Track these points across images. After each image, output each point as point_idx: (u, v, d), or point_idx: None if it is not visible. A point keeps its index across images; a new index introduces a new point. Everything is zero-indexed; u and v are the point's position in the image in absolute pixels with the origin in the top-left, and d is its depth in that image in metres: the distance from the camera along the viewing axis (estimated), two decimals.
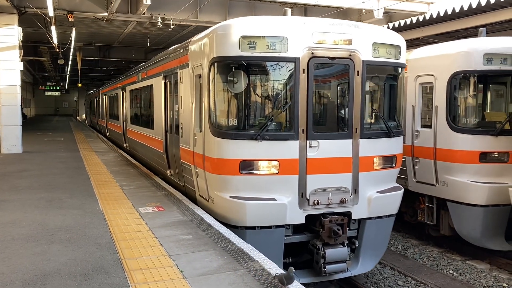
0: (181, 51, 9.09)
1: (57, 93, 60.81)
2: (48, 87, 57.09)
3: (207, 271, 4.92)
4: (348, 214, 7.19)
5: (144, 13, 17.55)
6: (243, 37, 6.64)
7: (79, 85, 54.56)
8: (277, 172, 6.80)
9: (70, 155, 16.15)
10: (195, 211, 7.58)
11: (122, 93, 18.62)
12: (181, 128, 8.86)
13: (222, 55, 6.85)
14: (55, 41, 20.34)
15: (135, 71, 15.61)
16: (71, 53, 27.49)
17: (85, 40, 26.87)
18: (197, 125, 7.75)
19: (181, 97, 8.93)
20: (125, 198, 8.64)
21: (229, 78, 6.87)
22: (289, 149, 6.80)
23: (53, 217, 7.24)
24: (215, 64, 6.96)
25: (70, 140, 22.78)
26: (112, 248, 5.72)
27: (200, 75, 7.56)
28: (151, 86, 12.26)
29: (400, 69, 7.82)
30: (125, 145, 18.26)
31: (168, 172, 10.53)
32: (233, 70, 6.82)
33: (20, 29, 16.39)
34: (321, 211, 7.04)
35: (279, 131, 7.00)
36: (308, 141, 6.85)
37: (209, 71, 7.07)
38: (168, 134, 10.36)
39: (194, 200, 8.35)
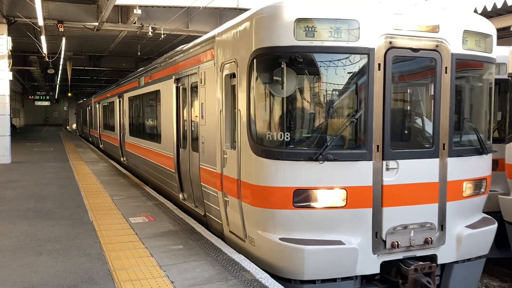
0: (202, 46, 7.36)
1: (46, 103, 60.53)
2: (38, 97, 56.82)
3: (198, 282, 4.87)
4: (432, 258, 5.52)
5: (134, 23, 17.63)
6: (299, 20, 4.98)
7: (69, 94, 54.46)
8: (344, 204, 5.11)
9: (59, 165, 16.00)
10: (186, 221, 7.52)
11: (119, 101, 16.81)
12: (203, 143, 7.24)
13: (270, 45, 5.17)
14: (45, 50, 20.28)
15: (136, 76, 13.74)
16: (61, 62, 27.40)
17: (75, 50, 26.82)
18: (228, 140, 6.21)
19: (202, 104, 7.26)
20: (115, 208, 8.56)
21: (278, 78, 5.17)
22: (359, 172, 5.12)
23: (41, 228, 7.15)
24: (259, 58, 5.31)
25: (59, 150, 22.60)
26: (102, 259, 5.65)
27: (233, 75, 5.99)
28: (157, 92, 10.61)
29: (491, 65, 6.06)
30: (122, 159, 16.36)
31: (180, 195, 8.93)
32: (284, 66, 5.09)
33: (10, 38, 16.32)
34: (400, 256, 5.33)
35: (344, 148, 5.28)
36: (384, 162, 5.17)
37: (250, 68, 5.39)
38: (181, 149, 8.78)
39: (220, 235, 6.76)
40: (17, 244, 6.28)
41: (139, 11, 15.88)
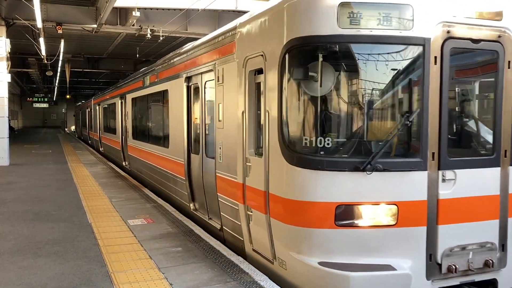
0: (220, 40, 6.51)
1: (45, 105, 60.38)
2: (36, 99, 56.68)
3: (197, 284, 4.87)
4: (493, 284, 4.81)
5: (133, 25, 17.63)
6: (344, 5, 4.28)
7: (68, 96, 54.40)
8: (393, 222, 4.40)
9: (58, 167, 15.99)
10: (185, 223, 7.52)
11: (121, 102, 15.93)
12: (220, 148, 6.50)
13: (307, 34, 4.44)
14: (43, 52, 20.28)
15: (141, 75, 12.72)
16: (59, 64, 27.40)
17: (74, 52, 26.83)
18: (252, 146, 5.48)
19: (219, 104, 6.50)
20: (113, 211, 8.56)
21: (316, 73, 4.47)
22: (412, 185, 4.42)
23: (40, 230, 7.14)
24: (293, 50, 4.57)
25: (58, 152, 22.57)
26: (100, 261, 5.64)
27: (258, 71, 5.30)
28: (164, 92, 9.81)
29: None
30: (124, 163, 15.48)
31: (191, 205, 8.10)
32: (324, 59, 4.43)
33: (8, 40, 16.31)
34: (456, 282, 4.61)
35: (391, 156, 4.53)
36: (440, 172, 4.46)
37: (282, 62, 4.65)
38: (192, 155, 8.03)
39: (240, 253, 5.94)
40: (15, 247, 6.27)
41: (138, 13, 15.90)
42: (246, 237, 5.74)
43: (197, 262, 5.58)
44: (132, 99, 13.85)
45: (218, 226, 6.80)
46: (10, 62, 16.99)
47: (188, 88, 8.14)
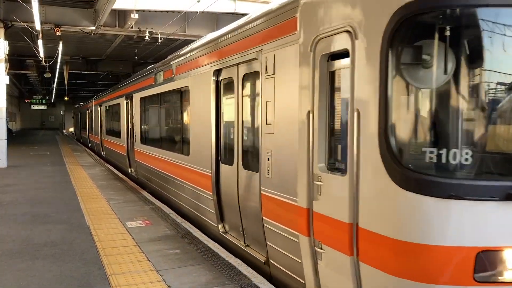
0: (272, 18, 5.03)
1: (43, 107, 60.28)
2: (34, 101, 56.63)
3: (195, 286, 4.87)
4: None
5: (132, 27, 17.65)
6: None
7: (66, 98, 54.31)
8: None
9: (56, 169, 15.96)
10: (183, 225, 7.52)
11: (127, 102, 14.48)
12: (268, 159, 5.04)
13: None
14: (42, 54, 20.27)
15: (151, 71, 11.23)
16: (58, 66, 27.39)
17: (72, 54, 26.83)
18: (323, 158, 4.08)
19: (267, 102, 5.05)
20: (112, 213, 8.55)
21: (443, 54, 3.13)
22: None
23: (38, 233, 7.13)
24: (412, 20, 3.16)
25: (56, 154, 22.54)
26: (98, 263, 5.64)
27: (338, 55, 3.90)
28: (184, 90, 8.38)
29: None
30: (130, 170, 14.02)
31: (219, 226, 6.72)
32: (466, 35, 3.16)
33: (6, 42, 16.30)
34: None
35: None
36: None
37: (390, 38, 3.21)
38: (222, 165, 6.61)
39: None
40: (13, 249, 6.26)
41: (136, 16, 15.91)
42: (309, 281, 4.31)
43: (195, 264, 5.58)
44: (141, 98, 12.31)
45: (262, 259, 5.43)
46: (8, 63, 16.97)
47: (218, 83, 6.73)
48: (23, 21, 15.83)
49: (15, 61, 27.94)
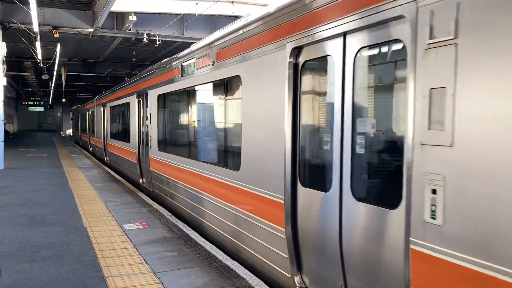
0: None
1: (40, 109, 60.26)
2: (32, 102, 56.60)
3: None
4: None
5: (130, 29, 17.68)
6: None
7: (63, 100, 54.27)
8: None
9: (53, 171, 15.93)
10: (181, 228, 7.51)
11: (139, 101, 12.38)
12: (434, 191, 2.95)
13: None
14: (39, 56, 20.26)
15: (174, 62, 8.92)
16: (55, 68, 27.38)
17: (70, 56, 26.83)
18: None
19: (431, 90, 2.97)
20: (109, 215, 8.54)
21: None
22: None
23: (35, 235, 7.12)
24: None
25: (53, 156, 22.50)
26: (95, 265, 5.63)
27: None
28: (230, 81, 6.38)
29: None
30: (142, 181, 11.93)
31: (296, 279, 4.66)
32: None
33: (4, 44, 16.28)
34: None
35: None
36: None
37: None
38: (303, 189, 4.54)
39: None
40: (10, 251, 6.24)
41: (134, 18, 15.95)
42: None
43: (193, 266, 5.58)
44: (159, 96, 10.06)
45: None
46: (5, 65, 16.95)
47: (296, 67, 4.64)
48: (21, 23, 15.83)
49: (13, 62, 27.93)
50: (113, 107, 17.02)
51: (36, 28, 14.48)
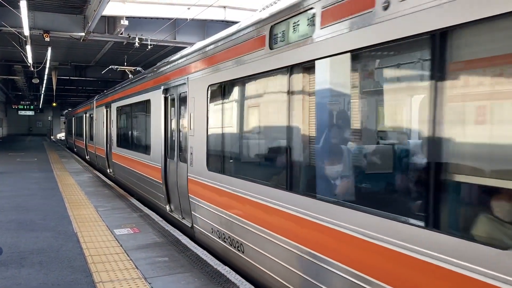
0: None
1: (31, 113, 59.76)
2: (22, 106, 56.10)
3: None
4: None
5: (121, 33, 17.64)
6: None
7: (54, 104, 53.86)
8: None
9: (43, 175, 15.80)
10: (172, 233, 7.48)
11: (166, 98, 8.94)
12: None
13: None
14: (30, 60, 20.14)
15: (256, 24, 5.23)
16: (46, 72, 27.22)
17: (61, 60, 26.70)
18: None
19: None
20: (99, 220, 8.48)
21: None
22: None
23: (24, 240, 7.04)
24: None
25: (43, 161, 22.31)
26: (86, 271, 5.59)
27: None
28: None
29: None
30: (169, 208, 8.72)
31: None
32: None
33: None
34: None
35: None
36: None
37: None
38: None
39: None
40: None
41: (126, 22, 15.94)
42: None
43: (184, 272, 5.55)
44: (213, 87, 6.47)
45: None
46: None
47: None
48: (11, 27, 15.72)
49: (3, 66, 27.74)
50: (122, 108, 13.60)
51: (26, 31, 14.41)
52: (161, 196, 9.00)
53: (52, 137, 62.81)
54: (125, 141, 13.35)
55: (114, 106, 14.70)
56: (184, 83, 7.69)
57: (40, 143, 43.54)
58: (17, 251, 6.43)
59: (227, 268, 5.67)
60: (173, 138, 8.58)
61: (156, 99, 9.40)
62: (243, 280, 5.25)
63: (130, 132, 12.83)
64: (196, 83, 7.17)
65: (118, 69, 17.83)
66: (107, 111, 16.11)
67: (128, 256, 6.19)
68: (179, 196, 8.02)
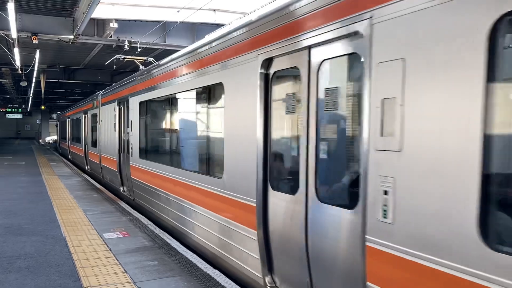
0: None
1: (19, 116, 59.20)
2: (10, 109, 55.57)
3: None
4: None
5: (111, 36, 17.55)
6: None
7: (43, 107, 53.46)
8: None
9: (31, 179, 15.65)
10: (161, 237, 7.45)
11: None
12: None
13: None
14: (18, 63, 19.94)
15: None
16: (34, 75, 26.96)
17: (50, 62, 26.44)
18: None
19: None
20: (88, 224, 8.42)
21: None
22: None
23: (11, 245, 6.97)
24: None
25: (31, 164, 22.10)
26: (74, 275, 5.54)
27: None
28: None
29: None
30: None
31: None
32: None
33: None
34: None
35: None
36: None
37: None
38: None
39: None
40: None
41: (115, 25, 15.87)
42: None
43: (173, 275, 5.53)
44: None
45: None
46: None
47: None
48: None
49: None
50: (146, 103, 9.93)
51: (14, 34, 14.26)
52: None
53: (40, 140, 62.26)
54: (157, 151, 9.76)
55: (135, 100, 10.63)
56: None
57: (28, 146, 43.13)
58: (4, 256, 6.36)
59: (216, 271, 5.66)
60: (272, 148, 5.93)
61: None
62: (233, 283, 5.25)
63: (168, 139, 9.14)
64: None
65: (126, 59, 16.62)
66: (120, 110, 12.48)
67: (117, 260, 6.15)
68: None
